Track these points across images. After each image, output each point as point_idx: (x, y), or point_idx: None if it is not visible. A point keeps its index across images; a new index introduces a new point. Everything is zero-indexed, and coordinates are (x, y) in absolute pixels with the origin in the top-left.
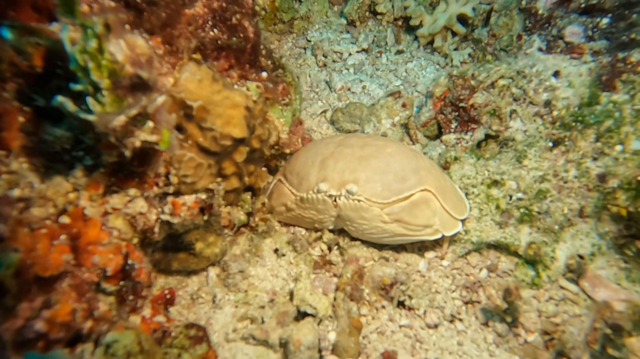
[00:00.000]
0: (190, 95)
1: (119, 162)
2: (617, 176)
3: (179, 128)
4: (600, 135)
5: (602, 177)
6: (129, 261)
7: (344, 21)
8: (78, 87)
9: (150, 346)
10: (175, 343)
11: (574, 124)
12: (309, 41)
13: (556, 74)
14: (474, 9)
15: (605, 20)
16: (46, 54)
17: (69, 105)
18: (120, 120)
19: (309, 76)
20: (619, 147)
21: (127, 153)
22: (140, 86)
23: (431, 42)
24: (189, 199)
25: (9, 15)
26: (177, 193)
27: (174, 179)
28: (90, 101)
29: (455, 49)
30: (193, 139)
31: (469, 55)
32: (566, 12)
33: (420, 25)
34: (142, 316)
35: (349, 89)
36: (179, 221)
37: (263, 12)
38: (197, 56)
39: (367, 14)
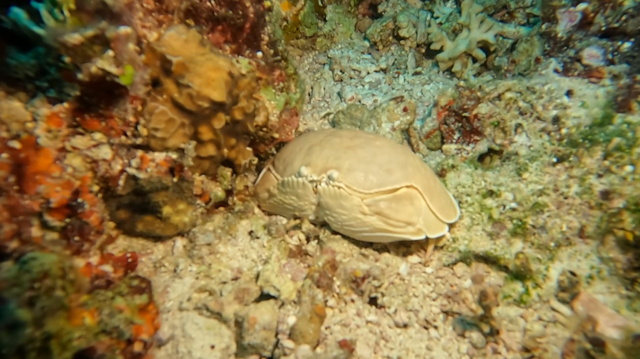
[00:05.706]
0: (172, 51)
1: (85, 100)
2: (624, 196)
3: (156, 82)
4: (608, 153)
5: (606, 195)
6: (79, 200)
7: (367, 43)
8: (41, 5)
9: (77, 278)
10: (114, 289)
11: (581, 141)
12: (329, 58)
13: (569, 93)
14: (495, 37)
15: (627, 44)
16: None
17: (23, 16)
18: (74, 38)
19: (323, 88)
20: (629, 168)
21: (81, 76)
22: (107, 15)
23: (451, 68)
24: (159, 156)
25: None
26: (147, 148)
27: (142, 131)
28: (43, 13)
29: (475, 76)
30: (168, 93)
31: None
32: (585, 35)
33: (441, 50)
34: (88, 262)
35: (359, 101)
36: (145, 176)
37: (285, 23)
38: (190, 22)
39: (390, 38)
